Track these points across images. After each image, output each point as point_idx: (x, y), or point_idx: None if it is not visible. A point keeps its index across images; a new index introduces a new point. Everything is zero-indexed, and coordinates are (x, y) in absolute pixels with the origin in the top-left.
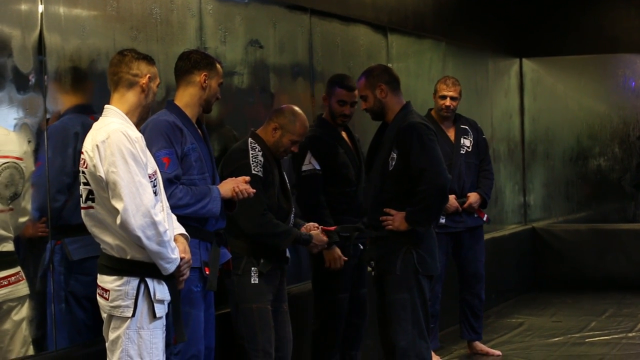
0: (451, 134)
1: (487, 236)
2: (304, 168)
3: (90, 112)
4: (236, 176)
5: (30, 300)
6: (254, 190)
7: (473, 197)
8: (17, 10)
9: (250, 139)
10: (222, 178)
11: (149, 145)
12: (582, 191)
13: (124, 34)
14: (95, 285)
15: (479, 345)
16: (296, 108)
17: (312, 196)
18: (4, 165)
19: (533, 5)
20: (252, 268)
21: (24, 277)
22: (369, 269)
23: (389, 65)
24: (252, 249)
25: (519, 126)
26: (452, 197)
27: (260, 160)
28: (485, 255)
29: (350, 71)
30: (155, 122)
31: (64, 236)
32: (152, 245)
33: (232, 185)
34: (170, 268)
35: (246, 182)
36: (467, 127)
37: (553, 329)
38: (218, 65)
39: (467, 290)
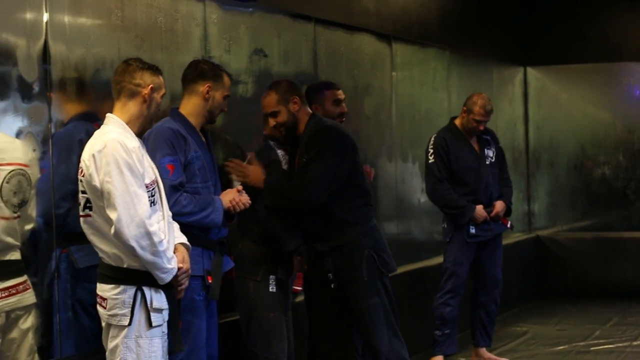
0: (475, 144)
1: None
2: None
3: (94, 120)
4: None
5: (36, 309)
6: (249, 202)
7: (499, 205)
8: (22, 19)
9: (270, 142)
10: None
11: (153, 152)
12: (586, 199)
13: (128, 43)
14: None
15: (487, 354)
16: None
17: None
18: (12, 173)
19: (537, 14)
20: (271, 276)
21: (31, 286)
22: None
23: (393, 74)
24: (270, 255)
25: (523, 135)
26: (480, 208)
27: (286, 157)
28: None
29: (355, 79)
30: (159, 129)
31: (70, 244)
32: (146, 256)
33: (231, 197)
34: (166, 278)
35: (239, 192)
36: (488, 138)
37: (557, 337)
38: (226, 78)
39: (485, 295)
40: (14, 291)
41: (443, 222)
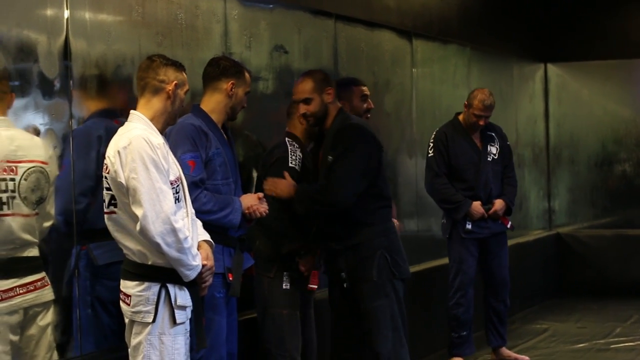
0: (477, 140)
1: (511, 242)
2: None
3: (114, 117)
4: (274, 171)
5: (55, 306)
6: (267, 211)
7: (498, 204)
8: (43, 16)
9: (286, 139)
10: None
11: (175, 148)
12: (607, 197)
13: (149, 40)
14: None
15: (506, 352)
16: None
17: None
18: (30, 170)
19: (558, 10)
20: (285, 272)
21: (49, 283)
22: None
23: (414, 70)
24: (284, 252)
25: (543, 131)
26: (477, 204)
27: (299, 156)
28: (508, 260)
29: (375, 76)
30: (180, 125)
31: (89, 241)
32: (171, 252)
33: (250, 203)
34: (191, 275)
35: (260, 199)
36: (493, 134)
37: (578, 334)
38: (247, 74)
39: (493, 296)
40: (31, 287)
41: (442, 218)
